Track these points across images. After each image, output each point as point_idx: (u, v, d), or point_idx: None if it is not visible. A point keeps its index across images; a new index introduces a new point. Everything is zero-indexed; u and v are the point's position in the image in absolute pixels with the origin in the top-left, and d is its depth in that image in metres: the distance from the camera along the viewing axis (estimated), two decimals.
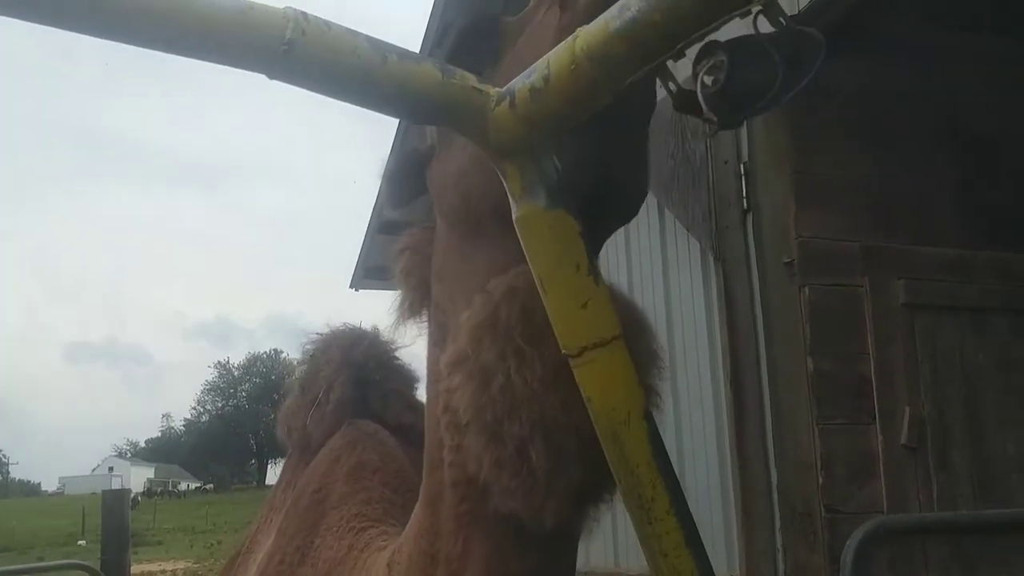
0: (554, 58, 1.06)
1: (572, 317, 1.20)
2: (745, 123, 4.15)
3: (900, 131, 4.34)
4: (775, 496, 3.82)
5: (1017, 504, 4.16)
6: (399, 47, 1.13)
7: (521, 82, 1.11)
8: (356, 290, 8.33)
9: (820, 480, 3.87)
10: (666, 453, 1.21)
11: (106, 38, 1.01)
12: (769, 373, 4.01)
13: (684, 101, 0.97)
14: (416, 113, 1.17)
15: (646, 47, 0.96)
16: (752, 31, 0.90)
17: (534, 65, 1.10)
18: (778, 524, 3.80)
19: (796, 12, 3.73)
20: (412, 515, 1.69)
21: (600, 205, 1.34)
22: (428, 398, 1.65)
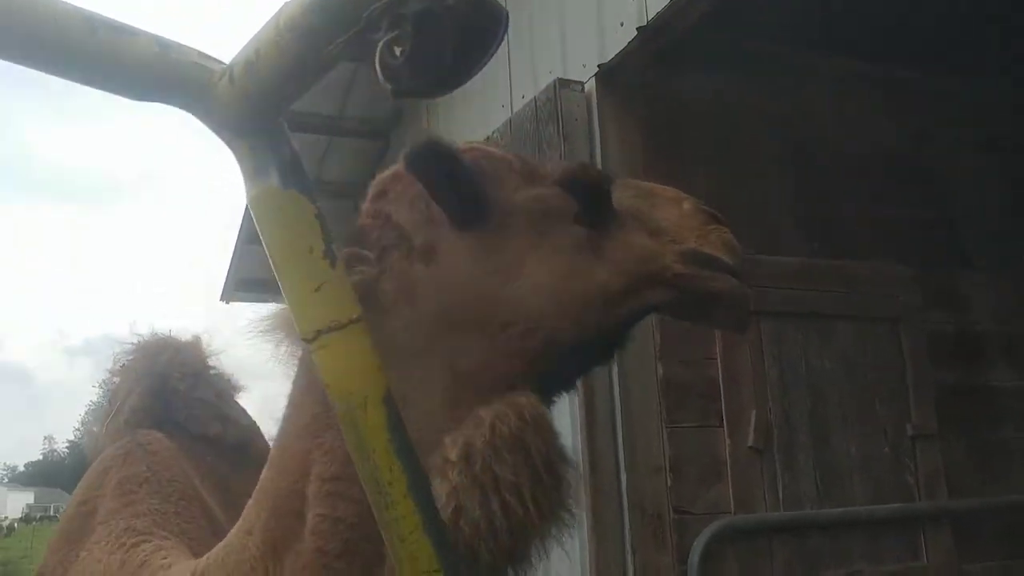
0: (262, 32, 1.04)
1: (306, 300, 1.17)
2: (600, 135, 4.26)
3: (746, 143, 4.48)
4: (625, 499, 3.86)
5: (858, 503, 4.31)
6: (111, 19, 1.09)
7: (239, 56, 1.09)
8: (227, 303, 8.12)
9: (669, 482, 3.94)
10: (406, 437, 1.19)
11: None
12: (620, 378, 4.05)
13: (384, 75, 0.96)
14: (134, 89, 1.13)
15: (338, 17, 0.95)
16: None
17: (251, 38, 1.08)
18: (628, 526, 3.84)
19: (644, 24, 3.81)
20: (231, 539, 1.65)
21: None
22: (291, 445, 1.55)
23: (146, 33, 1.11)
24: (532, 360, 1.48)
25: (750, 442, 4.11)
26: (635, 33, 3.82)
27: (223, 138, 1.17)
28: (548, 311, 1.48)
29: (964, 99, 5.19)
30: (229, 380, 2.63)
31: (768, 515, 4.06)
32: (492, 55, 0.92)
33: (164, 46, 1.10)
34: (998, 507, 4.57)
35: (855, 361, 4.46)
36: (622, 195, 1.65)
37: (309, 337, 1.17)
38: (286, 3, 1.01)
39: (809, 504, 4.19)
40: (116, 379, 2.63)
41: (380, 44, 0.89)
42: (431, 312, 1.48)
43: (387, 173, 1.62)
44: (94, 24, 1.06)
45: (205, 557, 1.74)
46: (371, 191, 1.63)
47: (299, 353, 1.58)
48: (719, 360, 4.15)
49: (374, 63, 0.89)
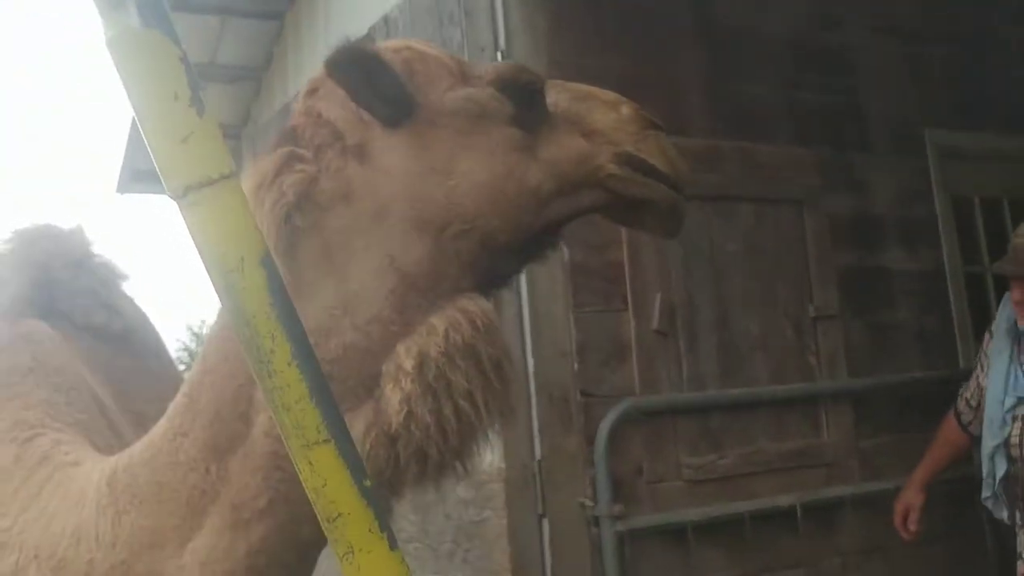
0: None
1: (173, 153, 1.07)
2: (503, 10, 4.11)
3: (653, 22, 4.39)
4: (532, 383, 3.87)
5: (761, 383, 4.42)
6: None
7: None
8: (122, 194, 7.74)
9: (575, 366, 3.96)
10: (289, 301, 1.12)
11: None
12: None
13: None
14: None
15: None
16: None
17: None
18: (535, 410, 3.86)
19: None
20: (152, 438, 1.60)
21: None
22: (232, 352, 1.48)
23: None
24: (472, 261, 1.51)
25: (655, 325, 4.14)
26: None
27: None
28: (483, 211, 1.50)
29: None
30: (114, 268, 2.49)
31: (673, 396, 4.14)
32: None
33: None
34: (893, 385, 4.75)
35: (758, 243, 4.51)
36: (558, 97, 1.63)
37: (178, 193, 1.08)
38: None
39: (713, 385, 4.28)
40: None
41: None
42: (368, 211, 1.48)
43: (319, 70, 1.57)
44: None
45: (123, 455, 1.67)
46: (304, 88, 1.62)
47: None
48: (624, 244, 4.13)
49: None
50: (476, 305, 1.47)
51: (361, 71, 1.46)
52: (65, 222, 2.58)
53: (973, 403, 3.64)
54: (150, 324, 2.55)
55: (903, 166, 5.15)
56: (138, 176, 7.72)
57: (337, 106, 1.53)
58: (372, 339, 1.45)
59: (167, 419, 1.60)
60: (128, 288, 2.56)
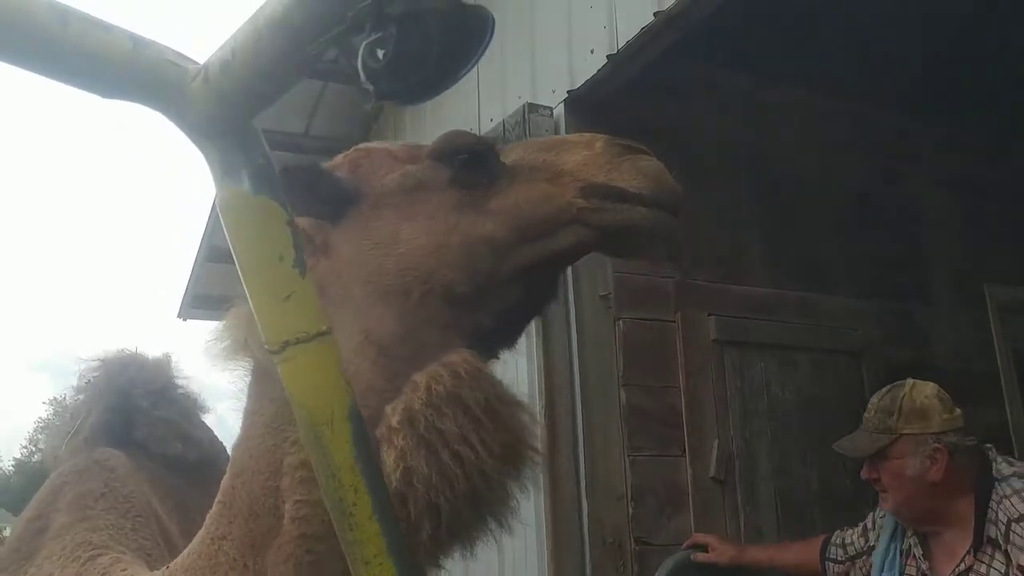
0: (240, 31, 1.01)
1: (274, 310, 1.13)
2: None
3: (713, 175, 4.49)
4: (586, 527, 3.81)
5: (819, 534, 4.29)
6: (84, 12, 1.05)
7: (214, 56, 1.05)
8: (184, 320, 7.97)
9: (630, 511, 3.90)
10: (372, 456, 1.16)
11: None
12: (583, 404, 4.02)
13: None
14: (105, 86, 1.09)
15: (322, 16, 0.92)
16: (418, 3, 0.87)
17: (226, 39, 1.04)
18: (588, 555, 3.79)
19: (614, 52, 3.81)
20: (197, 549, 1.66)
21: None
22: (255, 444, 1.59)
23: (120, 29, 1.07)
24: (448, 321, 1.56)
25: (712, 472, 4.09)
26: (605, 60, 3.83)
27: (193, 140, 1.14)
28: (432, 267, 1.54)
29: (931, 138, 5.27)
30: (195, 399, 2.60)
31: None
32: (477, 61, 0.90)
33: (138, 43, 1.07)
34: None
35: (816, 393, 4.47)
36: (524, 152, 1.70)
37: (275, 348, 1.14)
38: (266, 1, 0.98)
39: (770, 536, 4.17)
40: (80, 396, 2.59)
41: (363, 45, 0.87)
42: (338, 297, 1.56)
43: None
44: (67, 17, 1.02)
45: (169, 566, 1.73)
46: None
47: (252, 360, 1.65)
48: (682, 388, 4.13)
49: (356, 64, 0.87)
50: (458, 355, 1.49)
51: (300, 184, 1.56)
52: (150, 350, 2.72)
53: (850, 551, 3.35)
54: (226, 455, 2.61)
55: (963, 319, 5.12)
56: (199, 302, 7.94)
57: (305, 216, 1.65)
58: (371, 409, 1.44)
59: (205, 527, 1.66)
60: (208, 419, 2.65)
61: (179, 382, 2.61)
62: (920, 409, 2.91)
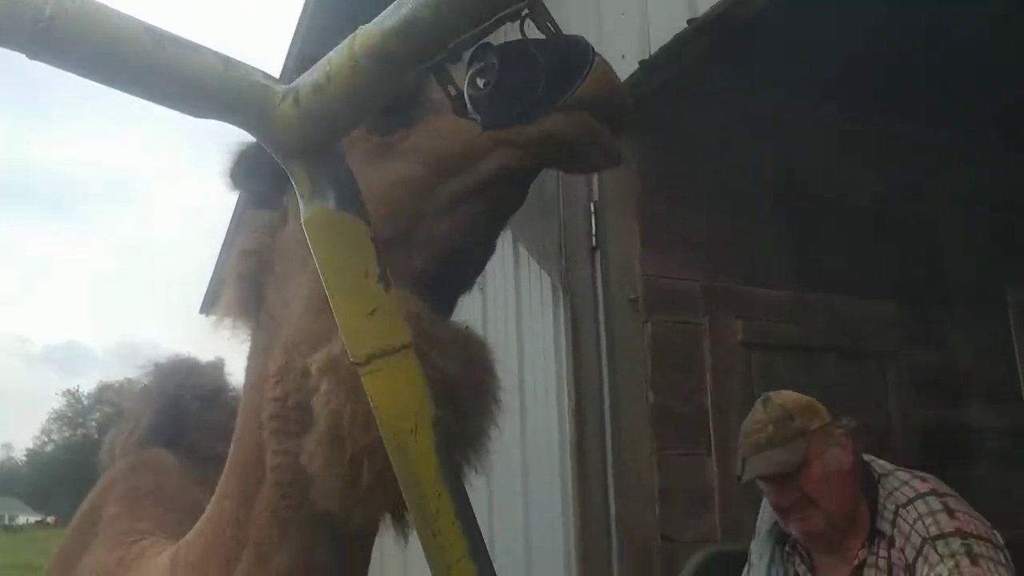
0: (335, 56, 1.04)
1: (359, 324, 1.17)
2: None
3: (740, 181, 4.52)
4: (613, 526, 3.86)
5: None
6: (175, 34, 1.08)
7: (305, 79, 1.08)
8: (207, 315, 8.03)
9: (657, 511, 3.94)
10: (453, 464, 1.19)
11: None
12: (611, 405, 4.06)
13: (459, 104, 0.97)
14: (195, 105, 1.12)
15: (419, 45, 0.95)
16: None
17: (318, 63, 1.08)
18: (615, 554, 3.83)
19: (647, 57, 3.84)
20: (207, 512, 1.77)
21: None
22: (247, 403, 1.69)
23: (209, 50, 1.10)
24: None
25: (738, 471, 4.11)
26: (637, 66, 3.85)
27: (279, 158, 1.17)
28: None
29: (954, 148, 5.29)
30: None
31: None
32: (576, 89, 0.93)
33: (228, 64, 1.10)
34: None
35: (840, 395, 4.48)
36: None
37: (361, 361, 1.17)
38: (362, 28, 1.01)
39: None
40: (134, 398, 2.78)
41: (468, 75, 0.90)
42: (294, 263, 1.64)
43: None
44: (160, 39, 1.06)
45: (187, 535, 1.85)
46: None
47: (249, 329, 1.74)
48: (709, 390, 4.16)
49: (462, 93, 0.90)
50: None
51: (247, 164, 1.64)
52: (203, 355, 2.83)
53: None
54: None
55: (984, 323, 5.14)
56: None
57: None
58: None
59: (216, 490, 1.76)
60: None
61: (230, 386, 2.70)
62: (807, 406, 2.81)
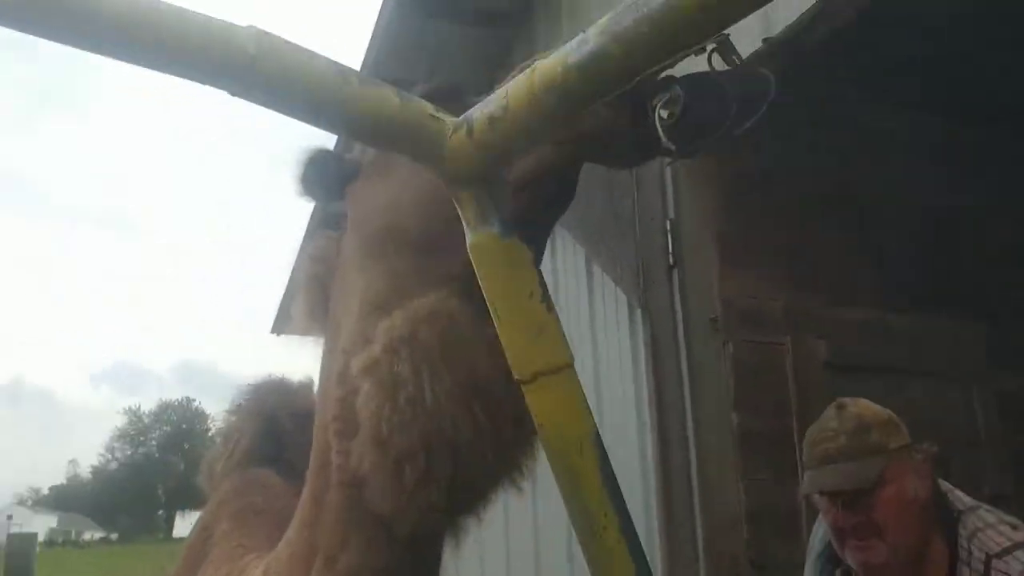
0: (512, 89, 1.09)
1: (525, 344, 1.22)
2: (672, 184, 4.31)
3: (824, 199, 4.51)
4: (700, 550, 3.84)
5: None
6: (357, 71, 1.15)
7: (479, 111, 1.14)
8: (277, 335, 8.16)
9: (745, 534, 3.92)
10: (615, 480, 1.23)
11: (77, 47, 1.01)
12: (695, 427, 4.06)
13: (650, 134, 1.00)
14: (374, 137, 1.19)
15: (603, 80, 1.00)
16: (705, 67, 0.94)
17: (492, 95, 1.13)
18: None
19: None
20: (293, 519, 1.80)
21: None
22: (319, 406, 1.73)
23: (388, 85, 1.17)
24: (421, 269, 1.55)
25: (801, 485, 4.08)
26: None
27: (448, 186, 1.23)
28: (393, 218, 1.59)
29: None
30: None
31: None
32: (757, 119, 0.97)
33: (404, 98, 1.16)
34: None
35: (927, 418, 4.43)
36: None
37: (527, 378, 1.22)
38: (540, 62, 1.06)
39: None
40: (232, 418, 2.82)
41: (657, 107, 0.94)
42: (353, 268, 1.67)
43: None
44: (346, 75, 1.12)
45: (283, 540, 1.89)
46: None
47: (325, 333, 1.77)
48: (794, 411, 4.14)
49: (654, 124, 0.94)
50: (421, 300, 1.46)
51: (310, 166, 1.69)
52: (294, 376, 2.92)
53: None
54: None
55: None
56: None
57: None
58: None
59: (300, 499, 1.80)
60: None
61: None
62: (887, 420, 2.50)
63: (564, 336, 1.23)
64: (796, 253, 4.37)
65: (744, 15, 0.88)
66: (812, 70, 4.04)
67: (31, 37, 1.01)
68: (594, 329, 5.12)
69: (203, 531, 2.44)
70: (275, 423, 2.71)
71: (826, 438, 2.48)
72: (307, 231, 6.98)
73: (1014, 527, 2.38)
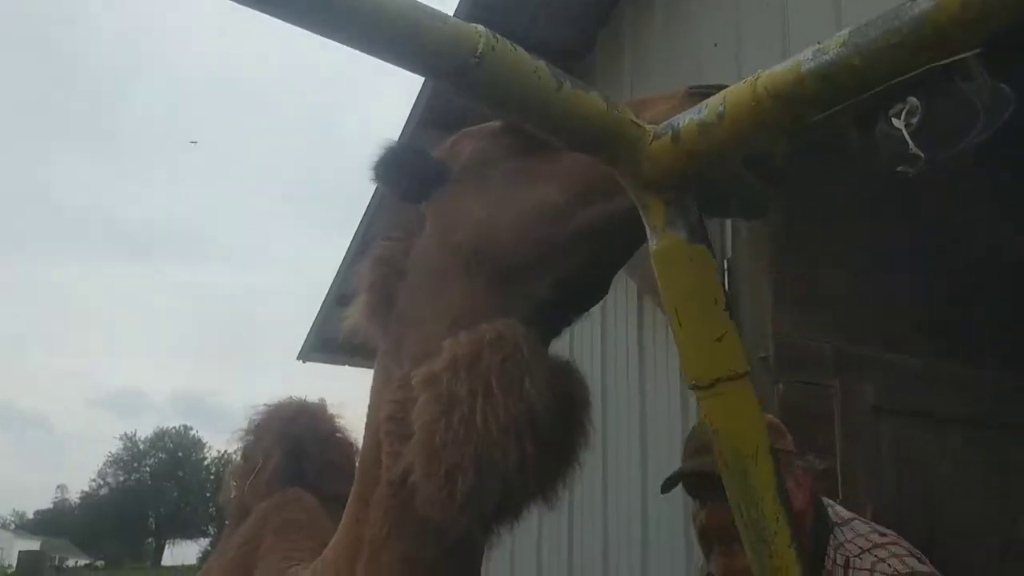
0: (732, 95, 1.11)
1: (706, 349, 1.23)
2: (731, 222, 4.33)
3: (876, 245, 4.54)
4: None
5: None
6: (569, 75, 1.18)
7: (687, 118, 1.16)
8: (304, 361, 8.18)
9: None
10: (785, 490, 1.24)
11: (319, 34, 1.04)
12: None
13: (895, 141, 1.01)
14: (578, 140, 1.21)
15: (839, 89, 1.02)
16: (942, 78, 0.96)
17: (705, 101, 1.15)
18: None
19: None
20: (342, 519, 1.85)
21: None
22: (371, 404, 1.76)
23: (596, 90, 1.19)
24: (502, 291, 1.59)
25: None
26: None
27: (635, 191, 1.25)
28: (485, 239, 1.60)
29: None
30: (353, 444, 2.84)
31: None
32: (986, 136, 0.99)
33: (609, 103, 1.19)
34: None
35: (970, 466, 4.45)
36: None
37: (705, 384, 1.23)
38: (765, 71, 1.08)
39: None
40: (251, 438, 2.88)
41: (902, 114, 0.97)
42: (425, 274, 1.69)
43: None
44: (562, 80, 1.15)
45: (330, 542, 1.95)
46: None
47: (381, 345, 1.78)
48: (838, 454, 4.15)
49: (901, 130, 0.96)
50: (490, 324, 1.52)
51: (392, 163, 1.70)
52: (315, 399, 2.98)
53: None
54: None
55: None
56: (321, 345, 8.15)
57: None
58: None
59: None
60: None
61: (341, 428, 2.88)
62: (773, 424, 2.47)
63: (742, 346, 1.25)
64: (849, 297, 4.40)
65: (999, 28, 0.90)
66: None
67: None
68: (642, 365, 5.11)
69: (246, 543, 2.51)
70: (300, 445, 2.78)
71: (703, 432, 2.43)
72: (358, 230, 6.98)
73: (882, 535, 2.45)
